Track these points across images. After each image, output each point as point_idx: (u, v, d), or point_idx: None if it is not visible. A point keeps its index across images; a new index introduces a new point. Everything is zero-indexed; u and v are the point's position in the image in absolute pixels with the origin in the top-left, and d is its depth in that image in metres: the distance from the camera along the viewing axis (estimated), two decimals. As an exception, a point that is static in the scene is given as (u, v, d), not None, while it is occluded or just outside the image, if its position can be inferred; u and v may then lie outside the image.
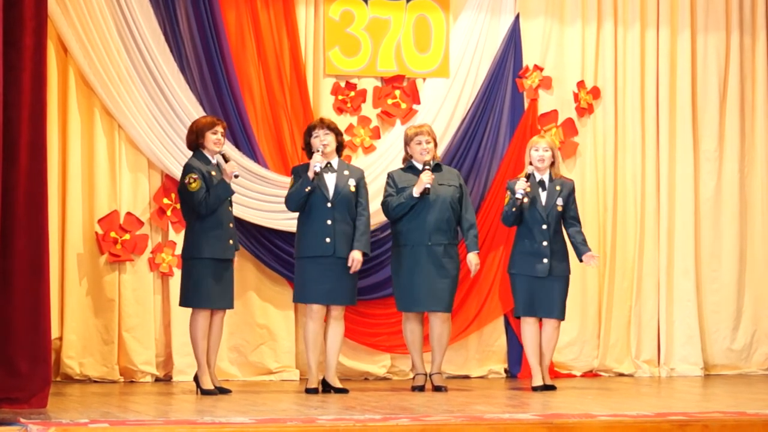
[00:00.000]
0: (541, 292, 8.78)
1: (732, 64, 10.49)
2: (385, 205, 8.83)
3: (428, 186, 8.66)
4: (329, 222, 8.51)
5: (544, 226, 8.80)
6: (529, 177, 8.79)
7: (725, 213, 10.45)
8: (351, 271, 8.54)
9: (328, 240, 8.48)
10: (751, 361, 10.45)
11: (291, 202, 8.55)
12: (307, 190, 8.45)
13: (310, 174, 8.45)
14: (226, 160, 8.39)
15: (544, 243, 8.78)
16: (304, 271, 8.52)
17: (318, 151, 8.47)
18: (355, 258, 8.53)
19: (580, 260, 8.96)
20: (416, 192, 8.69)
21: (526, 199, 8.75)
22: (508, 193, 8.86)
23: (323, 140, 8.53)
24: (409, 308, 8.77)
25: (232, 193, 8.40)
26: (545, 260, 8.77)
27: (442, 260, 8.73)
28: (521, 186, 8.73)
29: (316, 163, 8.45)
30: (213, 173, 8.35)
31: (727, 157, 10.48)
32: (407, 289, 8.73)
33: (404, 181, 8.79)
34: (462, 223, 8.86)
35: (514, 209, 8.75)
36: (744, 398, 8.27)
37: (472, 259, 8.85)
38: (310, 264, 8.49)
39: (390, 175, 8.90)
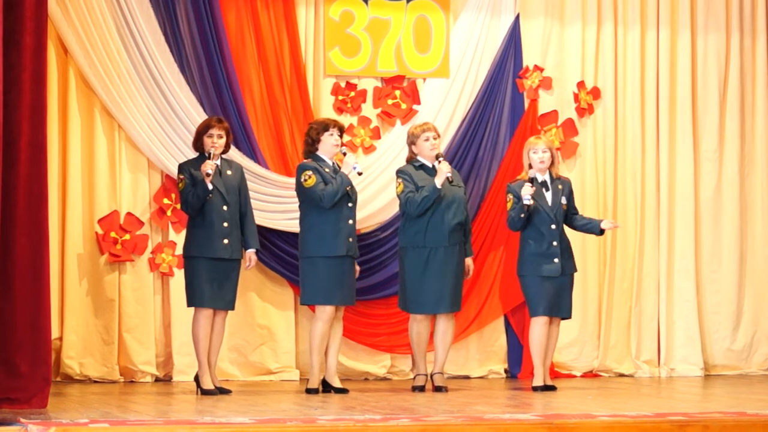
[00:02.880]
0: (555, 291, 8.76)
1: (732, 65, 10.50)
2: (410, 202, 8.66)
3: (449, 174, 8.61)
4: (351, 222, 8.51)
5: (553, 226, 8.79)
6: (533, 181, 8.76)
7: (725, 214, 10.46)
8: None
9: (351, 240, 8.48)
10: (751, 361, 10.45)
11: (330, 201, 8.40)
12: (348, 188, 8.46)
13: (347, 171, 8.44)
14: (210, 158, 8.38)
15: (554, 243, 8.77)
16: (323, 273, 8.42)
17: (345, 153, 8.48)
18: (357, 269, 8.73)
19: (601, 232, 8.92)
20: (439, 183, 8.63)
21: (531, 202, 8.72)
22: (510, 196, 8.81)
23: (337, 141, 8.54)
24: (425, 310, 8.68)
25: (209, 192, 8.33)
26: (556, 260, 8.75)
27: (459, 259, 8.72)
28: (527, 192, 8.68)
29: (355, 163, 8.46)
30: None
31: (727, 158, 10.48)
32: (425, 292, 8.63)
33: (421, 179, 8.70)
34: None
35: (522, 215, 8.71)
36: (744, 398, 8.27)
37: (470, 264, 8.85)
38: (331, 265, 8.43)
39: (404, 171, 8.77)
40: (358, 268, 8.73)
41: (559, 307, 8.80)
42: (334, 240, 8.44)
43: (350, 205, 8.54)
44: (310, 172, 8.45)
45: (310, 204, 8.50)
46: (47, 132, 7.14)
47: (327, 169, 8.49)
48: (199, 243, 8.35)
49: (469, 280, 9.20)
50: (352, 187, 8.58)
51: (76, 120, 9.23)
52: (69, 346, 9.11)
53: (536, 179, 8.79)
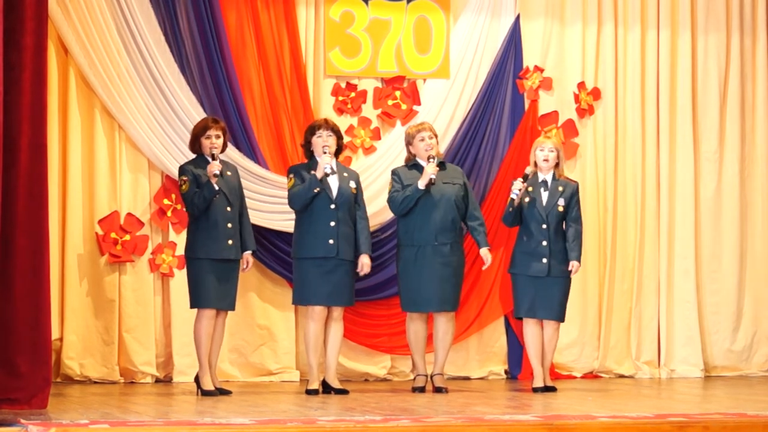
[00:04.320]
0: (541, 292, 8.77)
1: (732, 66, 10.49)
2: (391, 201, 8.80)
3: (433, 177, 8.64)
4: (333, 224, 8.51)
5: (544, 226, 8.79)
6: (526, 177, 8.78)
7: (725, 214, 10.45)
8: (361, 275, 8.69)
9: (331, 241, 8.49)
10: (751, 362, 10.45)
11: (297, 202, 8.53)
12: (315, 190, 8.46)
13: (319, 174, 8.45)
14: (214, 159, 8.38)
15: (544, 243, 8.77)
16: (306, 273, 8.52)
17: (325, 152, 8.49)
18: (366, 263, 8.67)
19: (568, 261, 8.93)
20: (422, 184, 8.67)
21: (527, 199, 8.74)
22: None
23: (326, 141, 8.54)
24: (417, 308, 8.74)
25: (216, 192, 8.36)
26: (544, 260, 8.76)
27: (450, 259, 8.72)
28: (516, 186, 8.73)
29: (326, 164, 8.45)
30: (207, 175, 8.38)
31: (728, 159, 10.48)
32: (415, 290, 8.69)
33: (409, 178, 8.77)
34: (471, 220, 8.84)
35: (510, 209, 8.75)
36: (744, 399, 8.27)
37: (486, 254, 8.81)
38: (312, 265, 8.49)
39: (395, 172, 8.89)
40: (367, 262, 8.66)
41: (543, 308, 8.78)
42: (313, 241, 8.50)
43: (332, 207, 8.53)
44: (291, 175, 8.60)
45: None
46: (47, 132, 7.14)
47: (314, 171, 8.52)
48: (204, 244, 8.35)
49: (469, 279, 9.22)
50: (343, 188, 8.56)
51: (76, 120, 9.22)
52: (69, 346, 9.10)
53: (528, 176, 8.81)
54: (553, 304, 8.79)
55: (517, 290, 8.84)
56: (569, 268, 8.83)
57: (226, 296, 8.43)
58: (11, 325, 6.91)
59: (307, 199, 8.49)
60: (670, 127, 10.35)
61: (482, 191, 9.90)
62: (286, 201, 9.23)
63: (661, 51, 10.34)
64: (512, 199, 8.72)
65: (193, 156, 8.56)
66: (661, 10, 10.33)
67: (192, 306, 8.46)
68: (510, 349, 9.97)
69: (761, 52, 10.54)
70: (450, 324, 8.81)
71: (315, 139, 8.59)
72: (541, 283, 8.76)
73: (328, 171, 8.46)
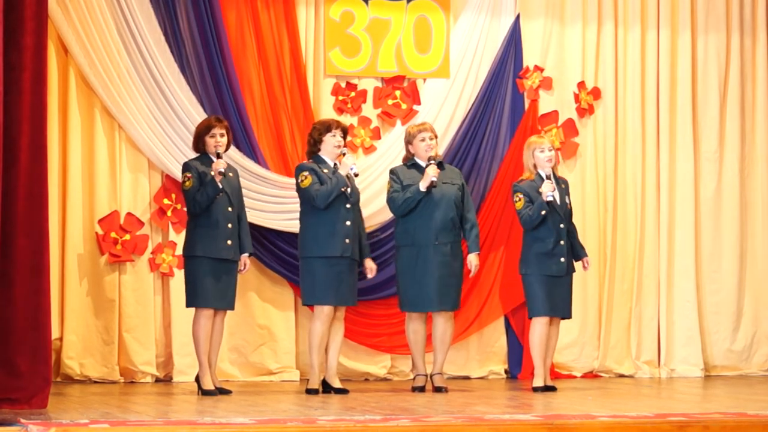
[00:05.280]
0: (558, 291, 8.73)
1: (732, 66, 10.50)
2: (392, 202, 8.77)
3: (434, 179, 8.64)
4: (348, 223, 8.52)
5: (562, 225, 8.77)
6: (549, 178, 8.72)
7: (725, 214, 10.45)
8: (371, 277, 8.79)
9: (347, 241, 8.49)
10: (751, 362, 10.45)
11: (323, 201, 8.43)
12: (343, 189, 8.46)
13: (343, 172, 8.45)
14: (219, 157, 8.38)
15: (561, 242, 8.74)
16: (321, 273, 8.45)
17: (345, 153, 8.49)
18: (374, 267, 8.79)
19: (577, 260, 8.92)
20: (423, 186, 8.66)
21: (553, 199, 8.70)
22: (521, 195, 8.75)
23: (340, 142, 8.54)
24: (416, 308, 8.72)
25: (220, 190, 8.36)
26: (562, 259, 8.73)
27: (450, 259, 8.71)
28: (548, 188, 8.65)
29: (353, 164, 8.46)
30: (212, 173, 8.37)
31: (728, 158, 10.48)
32: (417, 290, 8.67)
33: (409, 177, 8.76)
34: (464, 223, 8.83)
35: (543, 212, 8.67)
36: (744, 399, 8.26)
37: (473, 259, 8.82)
38: (326, 265, 8.45)
39: (394, 171, 8.87)
40: (374, 266, 8.78)
41: (560, 307, 8.79)
42: (329, 240, 8.46)
43: (348, 206, 8.54)
44: (306, 173, 8.48)
45: (307, 204, 8.54)
46: (47, 132, 7.13)
47: (326, 170, 8.50)
48: (203, 243, 8.35)
49: (469, 279, 9.20)
50: (353, 188, 8.58)
51: (76, 120, 9.22)
52: (69, 346, 9.11)
53: (550, 178, 8.75)
54: (568, 302, 8.80)
55: (534, 290, 8.73)
56: (585, 265, 8.86)
57: (224, 296, 8.42)
58: (11, 325, 6.91)
59: (333, 197, 8.47)
60: (670, 127, 10.35)
61: (482, 191, 9.90)
62: (286, 201, 9.29)
63: (661, 51, 10.34)
64: (548, 201, 8.65)
65: (195, 155, 8.56)
66: (661, 10, 10.33)
67: (189, 305, 8.45)
68: (510, 348, 9.98)
69: (761, 52, 10.55)
70: (449, 324, 8.81)
71: (329, 138, 8.56)
72: (559, 282, 8.73)
73: (356, 171, 8.49)
